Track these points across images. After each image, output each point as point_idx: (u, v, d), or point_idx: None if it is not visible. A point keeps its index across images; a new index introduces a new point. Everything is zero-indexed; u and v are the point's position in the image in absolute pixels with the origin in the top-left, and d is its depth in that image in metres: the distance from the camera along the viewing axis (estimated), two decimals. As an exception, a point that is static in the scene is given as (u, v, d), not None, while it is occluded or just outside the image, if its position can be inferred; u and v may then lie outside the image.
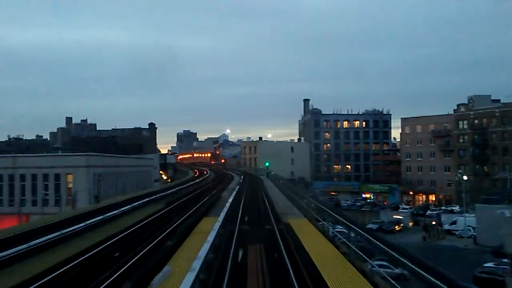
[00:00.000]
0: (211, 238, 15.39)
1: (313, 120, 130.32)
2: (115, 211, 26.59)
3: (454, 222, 64.55)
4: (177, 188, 53.46)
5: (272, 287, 12.51)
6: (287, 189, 50.32)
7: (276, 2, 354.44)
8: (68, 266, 13.65)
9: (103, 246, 16.81)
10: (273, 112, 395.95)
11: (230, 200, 34.38)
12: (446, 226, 64.72)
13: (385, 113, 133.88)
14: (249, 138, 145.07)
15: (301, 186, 76.39)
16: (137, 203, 32.88)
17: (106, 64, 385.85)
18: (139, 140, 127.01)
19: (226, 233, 20.30)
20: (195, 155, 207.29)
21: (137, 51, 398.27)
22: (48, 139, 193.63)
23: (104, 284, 11.59)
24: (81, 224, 20.36)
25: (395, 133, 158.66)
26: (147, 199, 36.63)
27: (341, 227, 24.89)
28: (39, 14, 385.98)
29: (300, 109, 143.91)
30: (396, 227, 66.53)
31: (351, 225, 18.95)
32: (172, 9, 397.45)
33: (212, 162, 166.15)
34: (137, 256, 14.67)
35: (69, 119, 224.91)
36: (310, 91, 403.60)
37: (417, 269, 12.14)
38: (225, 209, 27.41)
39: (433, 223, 65.29)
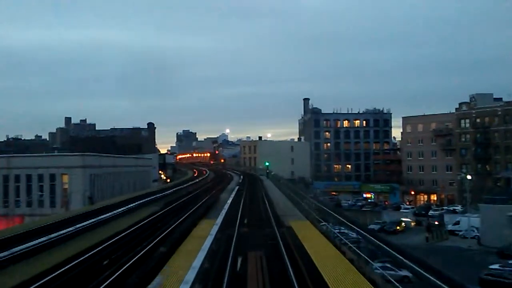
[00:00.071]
0: (207, 245, 14.32)
1: (313, 120, 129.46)
2: (109, 214, 25.54)
3: (457, 223, 63.55)
4: (176, 189, 52.73)
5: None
6: (287, 189, 49.41)
7: (276, 2, 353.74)
8: (51, 276, 12.52)
9: (91, 253, 15.68)
10: (273, 111, 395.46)
11: (229, 201, 33.69)
12: (449, 227, 63.72)
13: (386, 112, 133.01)
14: (249, 137, 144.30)
15: (301, 186, 75.43)
16: (132, 204, 31.91)
17: (106, 64, 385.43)
18: (138, 140, 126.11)
19: (224, 237, 19.23)
20: (194, 155, 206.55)
21: (137, 51, 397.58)
22: (47, 139, 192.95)
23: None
24: (71, 228, 19.29)
25: (396, 133, 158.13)
26: (143, 200, 35.72)
27: (343, 228, 24.02)
28: (39, 14, 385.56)
29: (300, 108, 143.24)
30: (398, 227, 65.55)
31: (362, 231, 17.96)
32: (172, 9, 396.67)
33: (211, 162, 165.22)
34: (127, 265, 13.57)
35: (68, 119, 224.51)
36: (310, 91, 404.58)
37: (422, 271, 11.84)
38: (224, 211, 26.60)
39: (436, 223, 64.33)
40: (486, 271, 37.79)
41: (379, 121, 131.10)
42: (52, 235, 17.42)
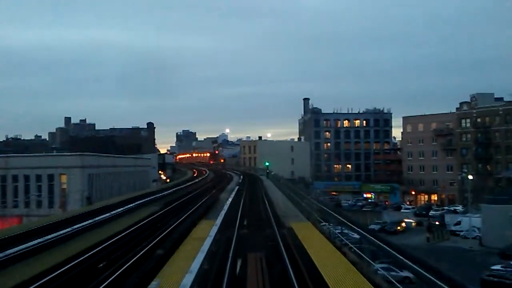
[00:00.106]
0: (206, 247, 13.92)
1: (313, 119, 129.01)
2: (107, 214, 25.11)
3: (459, 223, 63.14)
4: (175, 189, 52.44)
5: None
6: (287, 189, 49.05)
7: (276, 2, 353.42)
8: (43, 281, 12.10)
9: (87, 255, 15.24)
10: (273, 111, 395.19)
11: (228, 201, 33.32)
12: (451, 227, 63.28)
13: (386, 112, 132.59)
14: (249, 137, 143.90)
15: (301, 186, 75.05)
16: (131, 205, 31.54)
17: (106, 64, 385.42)
18: (137, 140, 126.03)
19: (224, 239, 18.84)
20: (194, 155, 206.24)
21: (137, 51, 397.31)
22: (47, 139, 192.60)
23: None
24: (65, 231, 18.81)
25: (396, 133, 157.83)
26: (142, 201, 35.35)
27: (344, 229, 23.66)
28: (39, 14, 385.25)
29: (300, 108, 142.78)
30: (399, 227, 65.17)
31: (364, 233, 17.64)
32: (172, 9, 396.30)
33: (211, 162, 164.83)
34: (124, 267, 13.17)
35: (68, 119, 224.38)
36: (310, 91, 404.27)
37: (423, 272, 11.75)
38: (223, 212, 26.20)
39: (437, 223, 63.92)
40: (488, 272, 37.43)
41: (379, 121, 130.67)
42: (40, 240, 16.83)
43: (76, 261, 14.31)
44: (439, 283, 10.56)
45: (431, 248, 52.26)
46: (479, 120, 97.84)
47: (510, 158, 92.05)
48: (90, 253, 15.54)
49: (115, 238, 18.77)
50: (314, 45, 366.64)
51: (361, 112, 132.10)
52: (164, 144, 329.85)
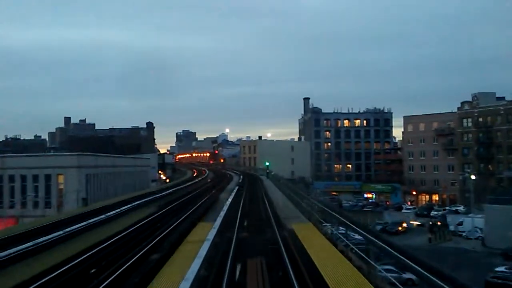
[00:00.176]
0: (203, 251, 13.22)
1: (313, 119, 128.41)
2: (102, 216, 24.39)
3: (461, 223, 62.55)
4: (174, 189, 51.91)
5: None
6: (287, 189, 48.42)
7: (276, 2, 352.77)
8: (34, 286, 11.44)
9: (78, 260, 14.45)
10: (273, 111, 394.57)
11: (228, 202, 32.74)
12: (453, 227, 62.66)
13: (386, 111, 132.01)
14: (249, 137, 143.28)
15: (301, 186, 74.37)
16: (128, 206, 30.89)
17: (106, 64, 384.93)
18: (136, 140, 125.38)
19: (222, 242, 18.15)
20: (194, 154, 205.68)
21: (137, 51, 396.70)
22: (47, 139, 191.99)
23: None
24: (60, 232, 18.11)
25: (396, 132, 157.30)
26: (140, 201, 34.72)
27: (345, 230, 23.06)
28: (39, 14, 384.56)
29: (300, 108, 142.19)
30: (400, 228, 64.57)
31: (366, 234, 17.06)
32: (172, 9, 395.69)
33: (211, 162, 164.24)
34: (116, 274, 12.47)
35: (67, 119, 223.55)
36: (310, 91, 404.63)
37: (426, 273, 11.40)
38: (223, 213, 25.62)
39: (438, 223, 63.29)
40: (493, 274, 36.88)
41: (380, 120, 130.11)
42: (39, 240, 16.19)
43: (65, 267, 13.48)
44: (442, 284, 10.28)
45: (433, 249, 51.69)
46: (480, 119, 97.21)
47: (511, 157, 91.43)
48: (80, 259, 14.42)
49: (108, 242, 17.68)
50: (314, 45, 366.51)
51: (361, 111, 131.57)
52: (164, 144, 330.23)
